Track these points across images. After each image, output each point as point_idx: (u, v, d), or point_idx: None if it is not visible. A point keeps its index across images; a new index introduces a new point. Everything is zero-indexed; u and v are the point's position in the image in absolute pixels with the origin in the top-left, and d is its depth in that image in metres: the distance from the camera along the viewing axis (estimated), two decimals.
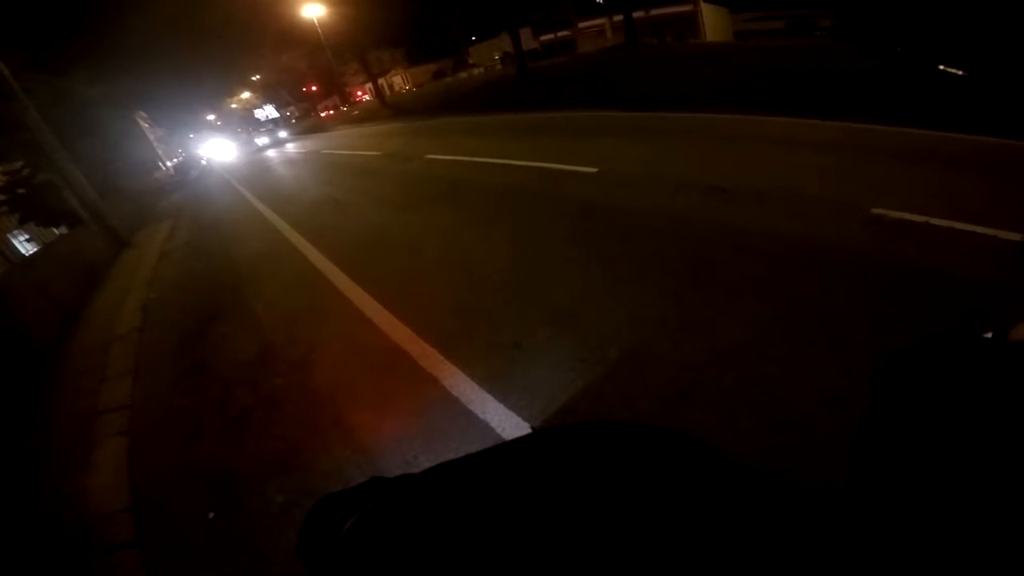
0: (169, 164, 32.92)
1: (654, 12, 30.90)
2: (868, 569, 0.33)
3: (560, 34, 36.94)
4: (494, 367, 2.92)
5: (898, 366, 0.43)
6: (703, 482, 0.48)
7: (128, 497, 2.78)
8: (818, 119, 6.97)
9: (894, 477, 0.36)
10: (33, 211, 11.47)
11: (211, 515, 2.44)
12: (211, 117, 74.40)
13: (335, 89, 49.14)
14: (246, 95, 68.05)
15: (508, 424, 2.46)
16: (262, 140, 31.78)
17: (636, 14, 24.55)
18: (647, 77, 13.47)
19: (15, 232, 15.30)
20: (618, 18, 27.75)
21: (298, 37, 35.06)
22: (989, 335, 0.43)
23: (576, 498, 0.46)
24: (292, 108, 60.36)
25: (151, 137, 34.21)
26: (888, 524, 0.34)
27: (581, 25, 36.13)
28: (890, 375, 0.43)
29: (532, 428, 2.38)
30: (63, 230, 11.43)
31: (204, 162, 27.52)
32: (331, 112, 47.44)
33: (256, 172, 18.07)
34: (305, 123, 43.15)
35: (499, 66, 34.86)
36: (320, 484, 2.40)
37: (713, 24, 30.63)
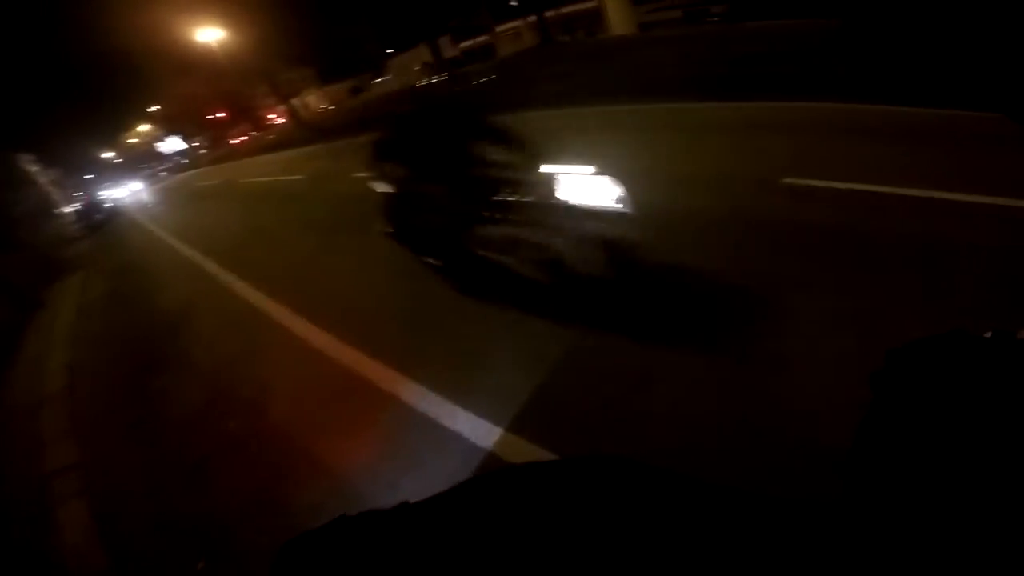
0: (69, 209, 30.39)
1: (564, 10, 31.78)
2: (868, 570, 0.34)
3: (479, 39, 37.14)
4: (454, 377, 3.01)
5: (897, 366, 0.43)
6: (654, 507, 0.47)
7: (104, 557, 2.66)
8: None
9: (894, 477, 0.37)
10: None
11: (200, 565, 2.39)
12: (110, 155, 69.20)
13: (246, 114, 47.08)
14: (145, 128, 63.89)
15: (479, 431, 2.56)
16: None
17: (547, 14, 25.17)
18: (563, 74, 13.84)
19: None
20: (532, 19, 28.27)
21: (197, 63, 33.32)
22: (989, 335, 0.43)
23: (553, 537, 0.46)
24: (199, 138, 57.17)
25: (43, 180, 31.46)
26: (888, 523, 0.34)
27: (498, 29, 36.51)
28: (889, 375, 0.43)
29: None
30: None
31: (109, 204, 25.58)
32: (244, 139, 45.40)
33: (169, 210, 17.09)
34: (215, 153, 41.04)
35: (422, 77, 34.61)
36: (303, 519, 2.40)
37: (618, 17, 31.86)
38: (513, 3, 32.76)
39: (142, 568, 2.55)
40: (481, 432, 2.55)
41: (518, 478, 0.58)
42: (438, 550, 0.47)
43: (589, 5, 31.87)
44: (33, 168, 30.88)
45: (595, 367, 2.75)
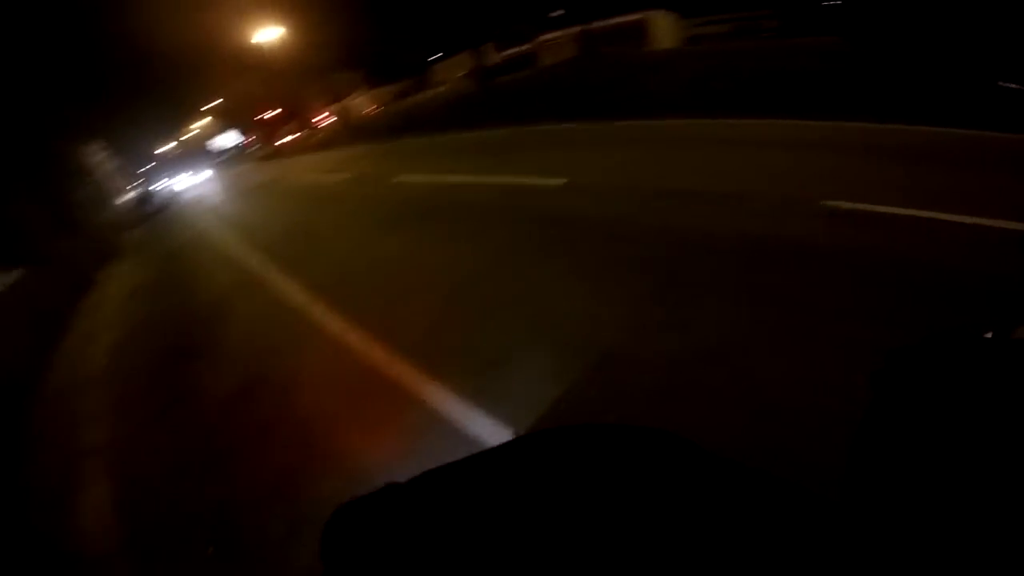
0: (128, 197, 32.01)
1: (609, 22, 31.71)
2: (867, 570, 0.34)
3: (522, 48, 37.46)
4: (478, 382, 2.98)
5: (897, 366, 0.43)
6: (695, 481, 0.48)
7: (120, 538, 2.73)
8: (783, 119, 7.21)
9: (893, 478, 0.36)
10: None
11: (210, 550, 2.42)
12: (171, 145, 72.79)
13: (298, 113, 48.69)
14: (205, 121, 66.91)
15: (498, 437, 2.51)
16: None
17: (592, 25, 25.18)
18: (605, 87, 13.77)
19: None
20: (575, 30, 28.35)
21: (257, 61, 34.80)
22: (989, 335, 0.43)
23: (570, 502, 0.46)
24: (252, 135, 59.42)
25: (107, 168, 33.22)
26: (887, 525, 0.34)
27: (542, 39, 36.77)
28: (889, 375, 0.43)
29: (515, 433, 2.41)
30: (20, 272, 10.99)
31: (166, 193, 26.92)
32: (295, 136, 46.89)
33: (218, 204, 17.75)
34: (266, 150, 42.57)
35: (464, 82, 35.11)
36: (318, 511, 2.40)
37: (664, 30, 31.51)
38: (555, 15, 32.93)
39: (153, 552, 2.60)
40: (500, 438, 2.51)
41: (557, 440, 0.58)
42: (491, 511, 0.48)
43: (634, 18, 31.63)
44: (99, 157, 32.60)
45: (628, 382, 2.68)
